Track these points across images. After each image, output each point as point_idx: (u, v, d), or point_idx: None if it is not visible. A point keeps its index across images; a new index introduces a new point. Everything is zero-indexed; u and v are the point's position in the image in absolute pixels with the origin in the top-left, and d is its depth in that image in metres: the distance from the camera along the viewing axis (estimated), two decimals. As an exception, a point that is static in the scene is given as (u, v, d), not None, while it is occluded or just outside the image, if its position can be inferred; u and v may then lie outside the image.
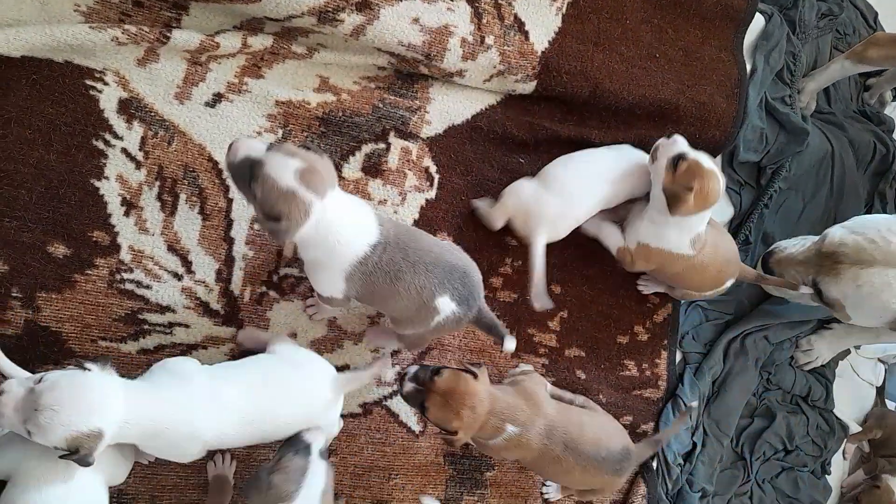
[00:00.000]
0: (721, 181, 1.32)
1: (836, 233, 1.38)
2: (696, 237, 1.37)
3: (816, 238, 1.44)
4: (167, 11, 1.20)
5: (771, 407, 1.88)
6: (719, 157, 1.79)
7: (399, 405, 1.37)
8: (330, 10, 1.21)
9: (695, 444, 1.70)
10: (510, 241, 1.51)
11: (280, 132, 1.29)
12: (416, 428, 1.38)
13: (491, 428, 1.16)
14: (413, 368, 1.17)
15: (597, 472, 1.27)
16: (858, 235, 1.34)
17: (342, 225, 1.04)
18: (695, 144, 1.67)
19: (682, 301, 1.75)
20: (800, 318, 1.87)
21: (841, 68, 1.88)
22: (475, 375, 1.15)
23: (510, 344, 1.20)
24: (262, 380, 1.05)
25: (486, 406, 1.15)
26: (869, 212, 2.22)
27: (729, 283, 1.50)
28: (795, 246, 1.46)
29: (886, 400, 2.19)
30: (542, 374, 1.53)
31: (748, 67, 1.77)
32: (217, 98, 1.24)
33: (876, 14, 2.41)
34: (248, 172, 0.96)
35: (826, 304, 1.41)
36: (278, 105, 1.28)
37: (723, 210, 1.81)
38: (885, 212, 2.26)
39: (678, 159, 1.31)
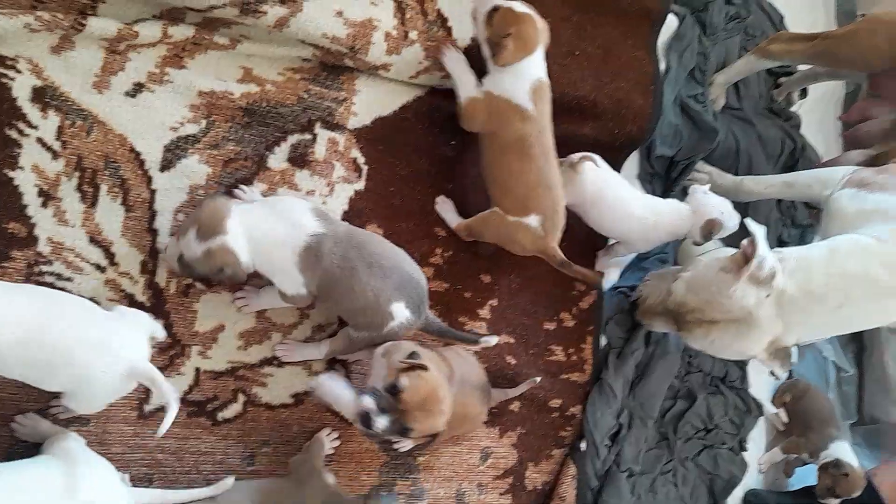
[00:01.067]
0: (538, 24, 1.33)
1: (679, 289, 1.41)
2: (534, 89, 1.36)
3: (668, 284, 1.47)
4: (83, -2, 1.18)
5: (692, 389, 1.97)
6: (637, 151, 1.88)
7: (330, 394, 1.37)
8: (252, 1, 1.21)
9: (621, 426, 1.76)
10: (440, 231, 1.54)
11: (203, 123, 1.28)
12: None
13: None
14: (369, 402, 1.06)
15: (478, 403, 1.32)
16: (695, 295, 1.38)
17: (272, 229, 1.14)
18: (613, 139, 1.76)
19: (606, 288, 1.82)
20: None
21: (747, 63, 2.01)
22: (425, 367, 1.08)
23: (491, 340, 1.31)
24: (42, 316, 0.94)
25: (449, 388, 1.13)
26: (779, 205, 2.36)
27: (531, 220, 1.40)
28: (653, 295, 1.50)
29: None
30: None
31: (662, 66, 1.87)
32: (138, 88, 1.23)
33: (782, 17, 2.57)
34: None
35: None
36: (201, 95, 1.27)
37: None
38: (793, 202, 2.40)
39: (492, 11, 1.32)
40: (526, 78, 1.36)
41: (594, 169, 1.59)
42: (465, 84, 1.39)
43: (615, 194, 1.61)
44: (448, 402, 1.11)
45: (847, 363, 2.49)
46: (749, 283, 1.32)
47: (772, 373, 1.41)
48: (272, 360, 1.33)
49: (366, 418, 1.05)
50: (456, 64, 1.41)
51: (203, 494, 1.14)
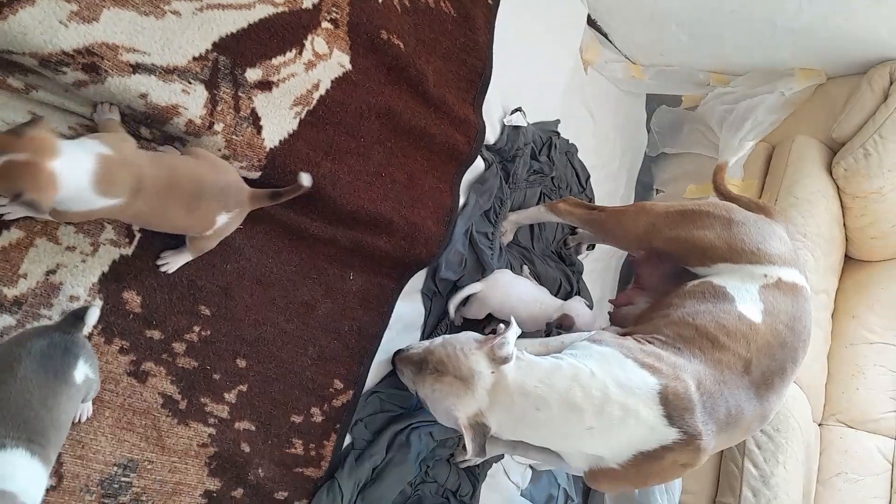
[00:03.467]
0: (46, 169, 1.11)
1: (437, 342, 1.67)
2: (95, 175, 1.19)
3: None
4: None
5: (423, 498, 2.09)
6: (425, 270, 2.04)
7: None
8: (54, 61, 1.22)
9: (341, 525, 1.84)
10: (204, 310, 1.57)
11: (-29, 159, 1.24)
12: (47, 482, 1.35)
13: None
14: None
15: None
16: (444, 350, 1.61)
17: None
18: (404, 256, 1.91)
19: (363, 391, 1.93)
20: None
21: (538, 213, 2.27)
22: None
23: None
24: None
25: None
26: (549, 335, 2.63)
27: (221, 219, 1.39)
28: (414, 349, 1.74)
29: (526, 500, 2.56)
30: (206, 445, 1.59)
31: (461, 201, 2.06)
32: None
33: (588, 176, 2.92)
34: None
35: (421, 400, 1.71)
36: (-25, 132, 1.24)
37: (415, 310, 2.07)
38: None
39: None
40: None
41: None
42: None
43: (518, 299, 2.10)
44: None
45: (574, 492, 2.77)
46: (486, 355, 1.56)
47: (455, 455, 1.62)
48: None
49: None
50: None
51: None
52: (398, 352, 1.82)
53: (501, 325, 1.63)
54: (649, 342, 1.69)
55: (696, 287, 1.80)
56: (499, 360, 1.55)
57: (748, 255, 1.78)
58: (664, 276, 2.05)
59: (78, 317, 1.18)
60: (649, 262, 2.10)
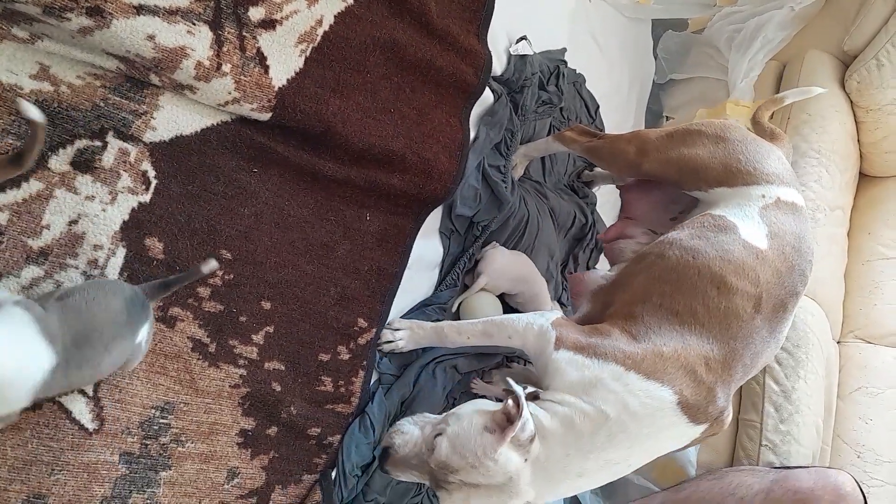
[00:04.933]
0: None
1: (442, 448, 1.39)
2: None
3: (424, 437, 1.47)
4: None
5: (451, 428, 2.14)
6: (441, 209, 2.04)
7: (72, 402, 1.37)
8: (57, 7, 1.21)
9: (374, 458, 1.89)
10: (225, 254, 1.59)
11: (-18, 111, 1.24)
12: (91, 426, 1.39)
13: None
14: None
15: None
16: (461, 458, 1.36)
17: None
18: (419, 193, 1.91)
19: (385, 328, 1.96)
20: (487, 352, 2.18)
21: (546, 144, 2.25)
22: None
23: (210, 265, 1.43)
24: None
25: None
26: (564, 269, 2.65)
27: None
28: (408, 445, 1.48)
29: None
30: (238, 386, 1.62)
31: (472, 135, 2.05)
32: None
33: (598, 107, 2.88)
34: None
35: None
36: (-16, 84, 1.24)
37: (433, 249, 2.08)
38: (575, 269, 2.70)
39: None
40: None
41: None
42: None
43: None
44: None
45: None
46: (511, 446, 1.35)
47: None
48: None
49: None
50: None
51: None
52: (384, 453, 1.50)
53: (509, 402, 1.37)
54: (641, 320, 1.54)
55: (695, 220, 1.69)
56: (525, 445, 1.36)
57: (744, 175, 1.68)
58: (653, 204, 2.00)
59: (162, 286, 1.39)
60: (637, 190, 2.04)
